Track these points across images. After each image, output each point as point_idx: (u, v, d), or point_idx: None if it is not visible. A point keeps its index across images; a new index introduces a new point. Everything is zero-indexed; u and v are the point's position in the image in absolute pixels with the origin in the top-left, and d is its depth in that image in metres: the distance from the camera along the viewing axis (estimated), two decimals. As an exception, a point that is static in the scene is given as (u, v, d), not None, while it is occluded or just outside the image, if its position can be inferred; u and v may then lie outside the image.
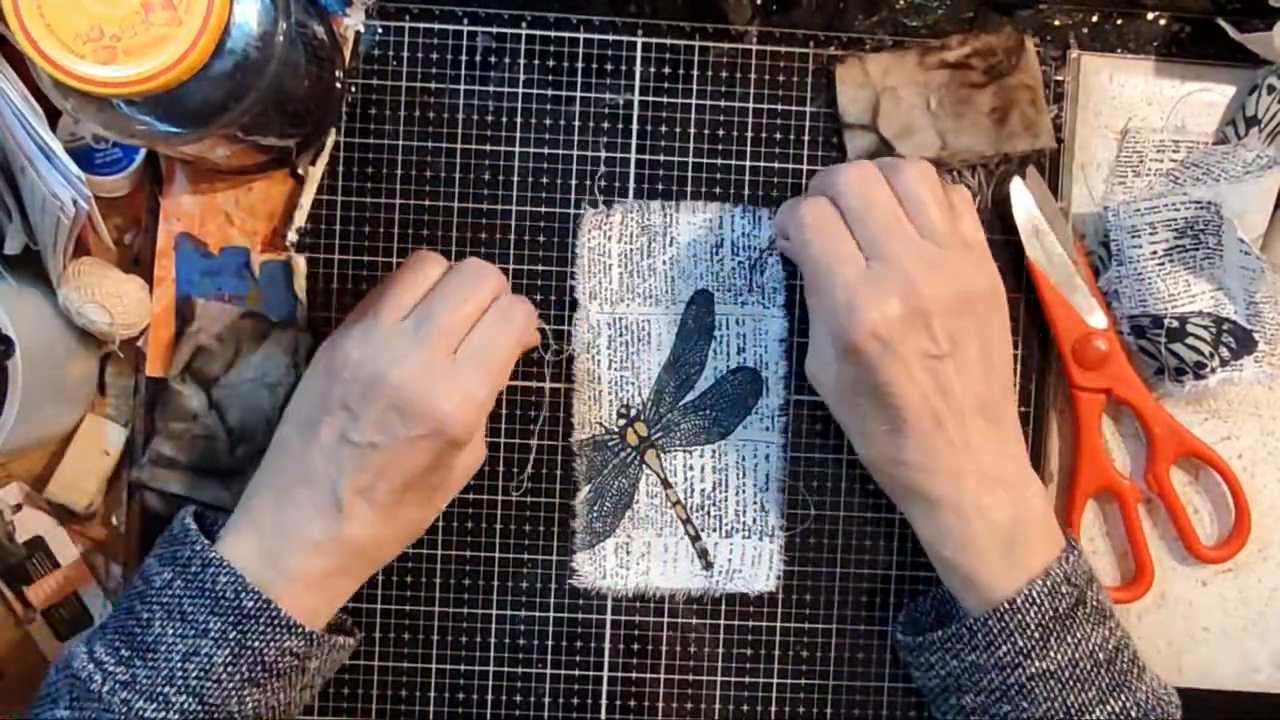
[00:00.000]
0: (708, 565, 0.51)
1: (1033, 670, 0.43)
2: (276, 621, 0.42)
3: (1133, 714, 0.44)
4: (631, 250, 0.51)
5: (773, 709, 0.52)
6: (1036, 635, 0.43)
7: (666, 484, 0.52)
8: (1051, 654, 0.43)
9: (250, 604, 0.42)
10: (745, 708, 0.52)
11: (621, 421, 0.51)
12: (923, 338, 0.43)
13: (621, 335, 0.51)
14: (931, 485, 0.45)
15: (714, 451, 0.52)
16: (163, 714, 0.41)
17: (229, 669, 0.42)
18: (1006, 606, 0.43)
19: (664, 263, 0.51)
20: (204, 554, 0.43)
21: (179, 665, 0.42)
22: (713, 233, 0.51)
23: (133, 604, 0.43)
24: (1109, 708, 0.44)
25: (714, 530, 0.52)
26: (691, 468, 0.52)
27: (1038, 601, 0.43)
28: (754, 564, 0.51)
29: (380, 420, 0.42)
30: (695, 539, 0.51)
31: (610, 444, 0.51)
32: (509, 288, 0.47)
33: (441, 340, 0.43)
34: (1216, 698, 0.53)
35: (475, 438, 0.46)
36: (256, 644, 0.42)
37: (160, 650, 0.42)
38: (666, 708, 0.52)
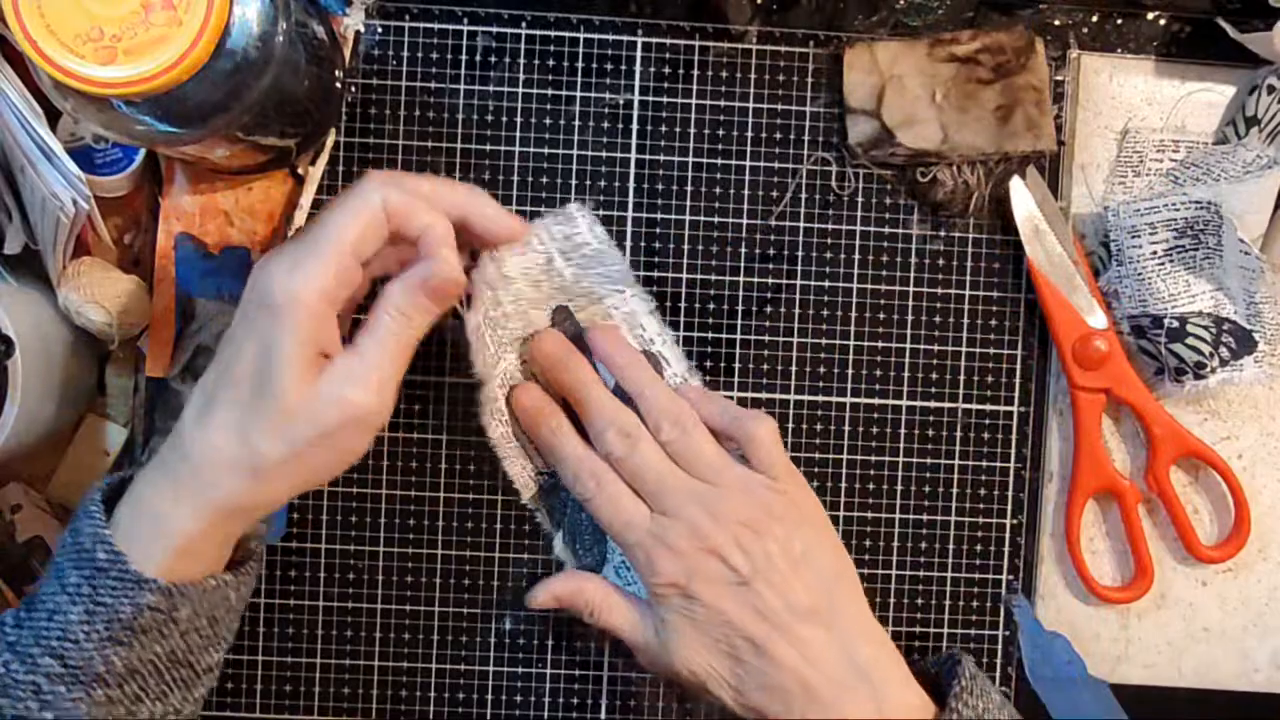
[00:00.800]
0: None
1: None
2: (126, 576, 0.39)
3: None
4: (489, 307, 0.48)
5: (773, 709, 0.52)
6: None
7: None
8: None
9: (103, 556, 0.39)
10: (745, 708, 0.52)
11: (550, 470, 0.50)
12: (718, 569, 0.44)
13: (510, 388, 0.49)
14: (792, 708, 0.43)
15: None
16: (30, 676, 0.39)
17: (84, 627, 0.39)
18: None
19: (512, 303, 0.48)
20: (85, 506, 0.41)
21: (44, 624, 0.40)
22: (537, 252, 0.48)
23: None
24: None
25: None
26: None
27: None
28: None
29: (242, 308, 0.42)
30: None
31: (557, 486, 0.50)
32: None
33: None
34: (1216, 698, 0.53)
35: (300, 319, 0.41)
36: (108, 599, 0.39)
37: (37, 608, 0.40)
38: (666, 707, 0.52)
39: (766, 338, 0.52)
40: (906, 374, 0.52)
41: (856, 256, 0.52)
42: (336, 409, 0.40)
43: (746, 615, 0.44)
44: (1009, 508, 0.53)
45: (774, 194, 0.52)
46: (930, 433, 0.52)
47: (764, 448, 0.46)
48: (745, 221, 0.52)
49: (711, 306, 0.52)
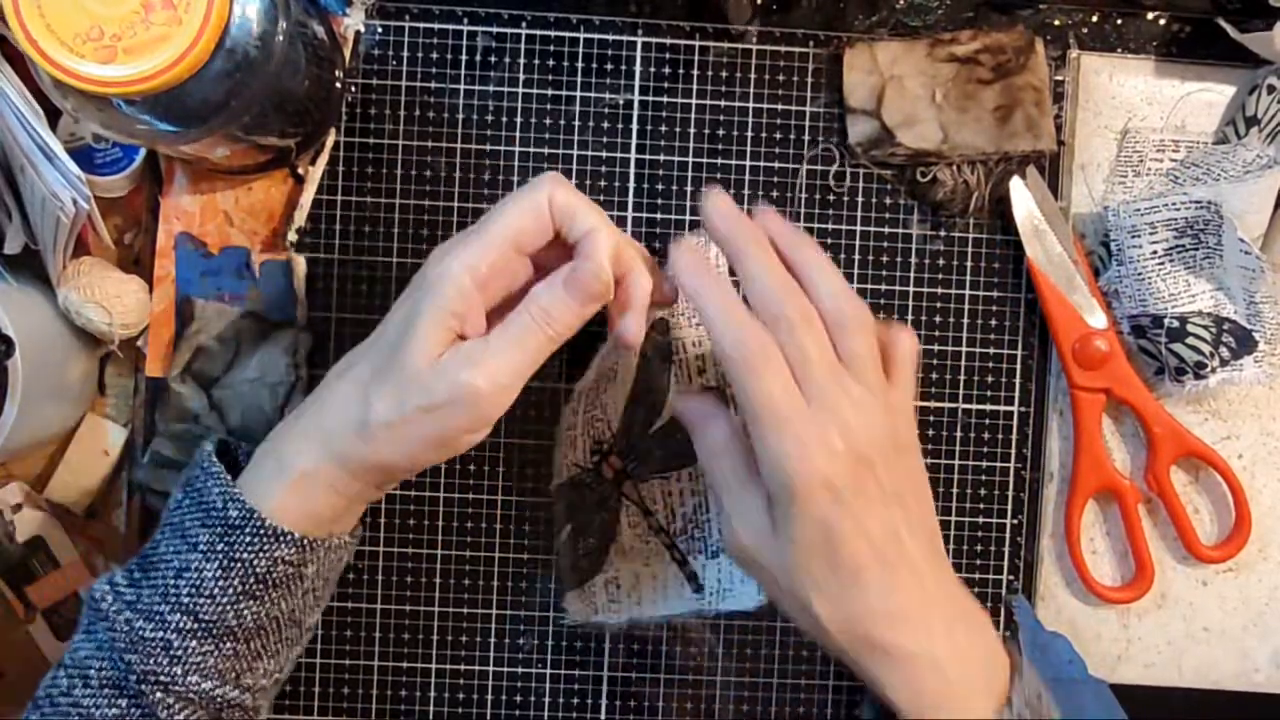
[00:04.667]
0: (698, 588, 0.51)
1: None
2: (262, 531, 0.41)
3: None
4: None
5: (773, 709, 0.52)
6: None
7: (647, 512, 0.51)
8: None
9: (235, 513, 0.41)
10: (745, 708, 0.52)
11: (595, 458, 0.51)
12: (871, 485, 0.41)
13: (591, 380, 0.50)
14: (899, 637, 0.41)
15: (690, 474, 0.51)
16: (160, 633, 0.40)
17: (219, 583, 0.41)
18: None
19: None
20: (204, 464, 0.42)
21: (172, 581, 0.41)
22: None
23: (155, 531, 0.43)
24: None
25: (700, 552, 0.51)
26: (670, 493, 0.51)
27: None
28: (743, 581, 0.51)
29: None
30: (683, 564, 0.51)
31: (587, 481, 0.51)
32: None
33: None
34: (1216, 698, 0.53)
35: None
36: (244, 555, 0.41)
37: (160, 567, 0.41)
38: (666, 708, 0.52)
39: (766, 338, 0.52)
40: (906, 374, 0.52)
41: (856, 256, 0.52)
42: (447, 385, 0.40)
43: (884, 535, 0.41)
44: (1009, 508, 0.53)
45: (774, 194, 0.52)
46: (930, 433, 0.52)
47: (907, 366, 0.44)
48: (745, 221, 0.52)
49: (711, 306, 0.52)
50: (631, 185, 0.52)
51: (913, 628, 0.42)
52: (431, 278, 0.41)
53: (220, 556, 0.41)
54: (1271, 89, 0.50)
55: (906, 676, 0.42)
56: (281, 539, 0.41)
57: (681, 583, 0.51)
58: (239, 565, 0.41)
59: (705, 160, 0.52)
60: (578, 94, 0.51)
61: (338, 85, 0.50)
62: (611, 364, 0.49)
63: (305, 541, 0.42)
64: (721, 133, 0.52)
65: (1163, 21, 0.53)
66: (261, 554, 0.41)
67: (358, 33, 0.51)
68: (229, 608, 0.41)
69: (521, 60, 0.51)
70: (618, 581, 0.51)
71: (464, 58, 0.51)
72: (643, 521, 0.51)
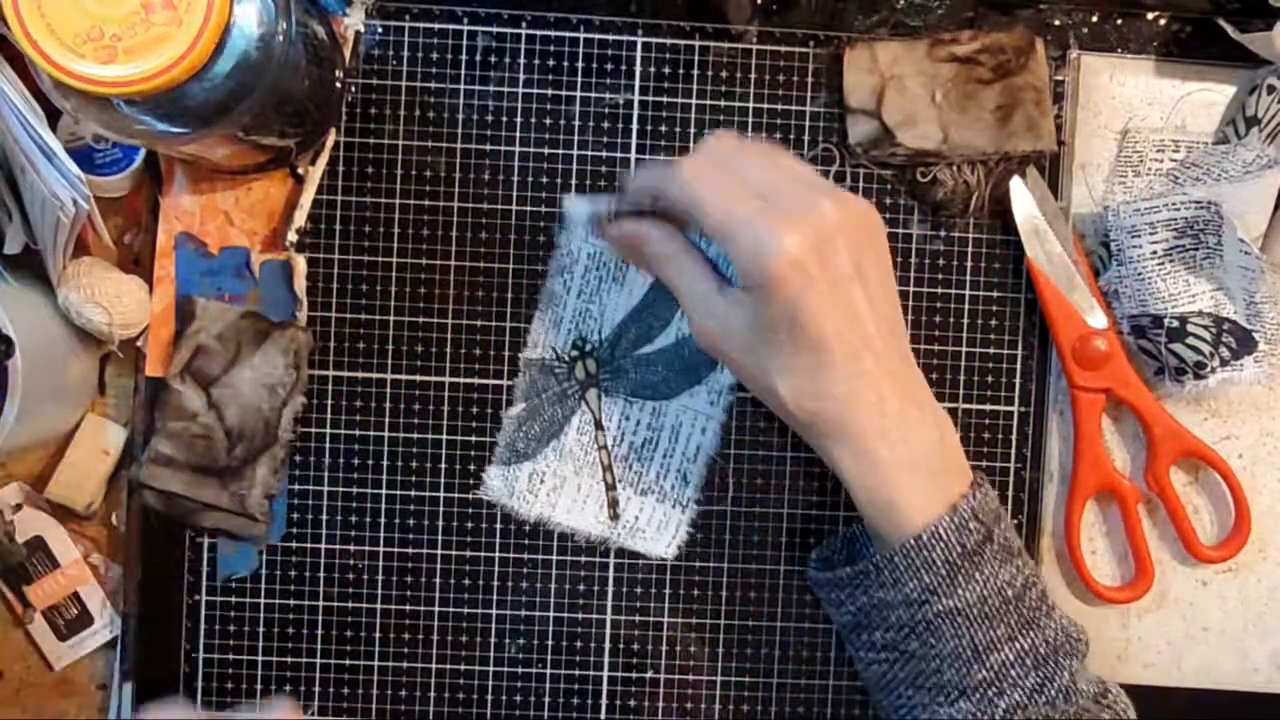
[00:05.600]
0: (614, 516, 0.51)
1: (940, 607, 0.43)
2: None
3: (1041, 650, 0.44)
4: None
5: (772, 709, 0.52)
6: (943, 572, 0.43)
7: (599, 426, 0.51)
8: (959, 591, 0.43)
9: None
10: (745, 708, 0.52)
11: (574, 353, 0.51)
12: (835, 259, 0.42)
13: (598, 270, 0.51)
14: (856, 416, 0.44)
15: (654, 409, 0.51)
16: None
17: None
18: (913, 544, 0.43)
19: None
20: None
21: None
22: None
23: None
24: (1018, 645, 0.44)
25: (630, 485, 0.51)
26: (628, 418, 0.51)
27: (944, 538, 0.43)
28: (660, 529, 0.51)
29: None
30: (610, 487, 0.52)
31: (557, 371, 0.51)
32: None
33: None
34: (1216, 698, 0.53)
35: None
36: None
37: None
38: (666, 708, 0.52)
39: (766, 338, 0.52)
40: (906, 374, 0.52)
41: (856, 256, 0.52)
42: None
43: (847, 316, 0.43)
44: (1009, 508, 0.53)
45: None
46: (930, 433, 0.52)
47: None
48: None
49: (711, 306, 0.52)
50: (631, 185, 0.52)
51: (866, 406, 0.43)
52: None
53: None
54: (1271, 89, 0.50)
55: (856, 452, 0.44)
56: None
57: (601, 505, 0.51)
58: None
59: (705, 160, 0.52)
60: (578, 94, 0.51)
61: (338, 85, 0.50)
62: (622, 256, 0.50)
63: None
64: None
65: (1163, 21, 0.53)
66: None
67: (358, 33, 0.51)
68: None
69: (521, 60, 0.51)
70: (543, 477, 0.51)
71: (464, 58, 0.51)
72: (591, 432, 0.51)
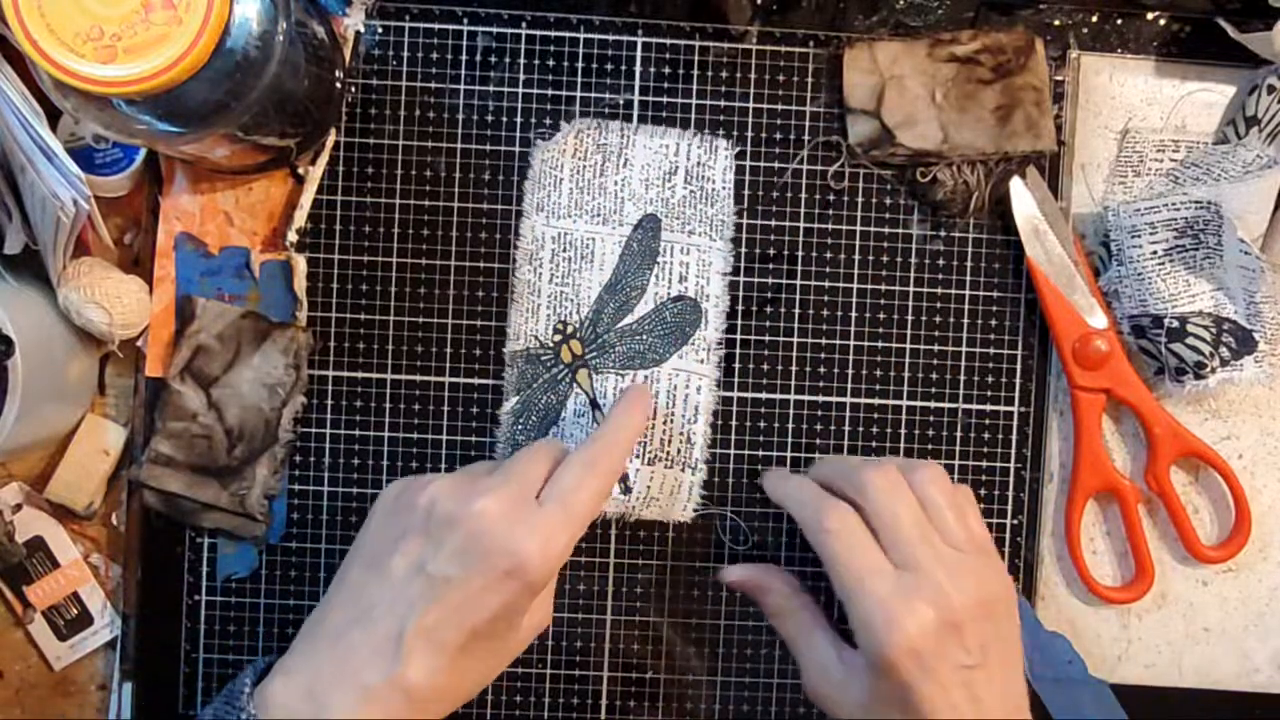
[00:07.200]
0: (626, 489, 0.51)
1: None
2: None
3: None
4: (584, 167, 0.51)
5: (772, 709, 0.52)
6: None
7: (595, 405, 0.51)
8: None
9: None
10: (745, 708, 0.52)
11: (557, 337, 0.51)
12: (957, 650, 0.42)
13: (565, 251, 0.51)
14: None
15: (646, 378, 0.51)
16: None
17: None
18: None
19: (615, 183, 0.51)
20: (246, 707, 0.40)
21: None
22: (668, 159, 0.51)
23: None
24: None
25: (637, 456, 0.51)
26: (623, 391, 0.51)
27: None
28: (673, 494, 0.51)
29: (460, 550, 0.40)
30: None
31: (543, 358, 0.51)
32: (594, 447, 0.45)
33: (524, 481, 0.42)
34: (1216, 698, 0.53)
35: (545, 593, 0.45)
36: None
37: None
38: (666, 708, 0.52)
39: (766, 338, 0.52)
40: (906, 374, 0.52)
41: (856, 256, 0.52)
42: None
43: (964, 698, 0.41)
44: (1009, 508, 0.53)
45: (774, 194, 0.52)
46: (930, 433, 0.52)
47: (971, 507, 0.45)
48: (745, 221, 0.52)
49: (711, 306, 0.52)
50: (631, 185, 0.52)
51: None
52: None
53: None
54: (1271, 89, 0.50)
55: None
56: None
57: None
58: None
59: (705, 160, 0.52)
60: (578, 94, 0.51)
61: (338, 85, 0.50)
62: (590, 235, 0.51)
63: None
64: (721, 133, 0.52)
65: (1163, 21, 0.53)
66: None
67: (358, 33, 0.51)
68: None
69: (521, 60, 0.51)
70: None
71: (464, 58, 0.51)
72: (589, 412, 0.51)
